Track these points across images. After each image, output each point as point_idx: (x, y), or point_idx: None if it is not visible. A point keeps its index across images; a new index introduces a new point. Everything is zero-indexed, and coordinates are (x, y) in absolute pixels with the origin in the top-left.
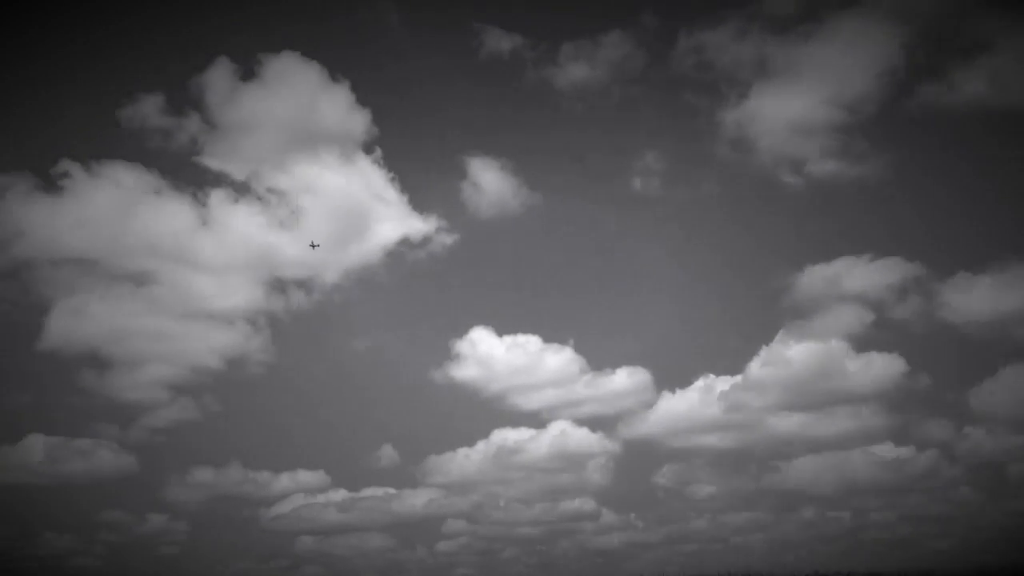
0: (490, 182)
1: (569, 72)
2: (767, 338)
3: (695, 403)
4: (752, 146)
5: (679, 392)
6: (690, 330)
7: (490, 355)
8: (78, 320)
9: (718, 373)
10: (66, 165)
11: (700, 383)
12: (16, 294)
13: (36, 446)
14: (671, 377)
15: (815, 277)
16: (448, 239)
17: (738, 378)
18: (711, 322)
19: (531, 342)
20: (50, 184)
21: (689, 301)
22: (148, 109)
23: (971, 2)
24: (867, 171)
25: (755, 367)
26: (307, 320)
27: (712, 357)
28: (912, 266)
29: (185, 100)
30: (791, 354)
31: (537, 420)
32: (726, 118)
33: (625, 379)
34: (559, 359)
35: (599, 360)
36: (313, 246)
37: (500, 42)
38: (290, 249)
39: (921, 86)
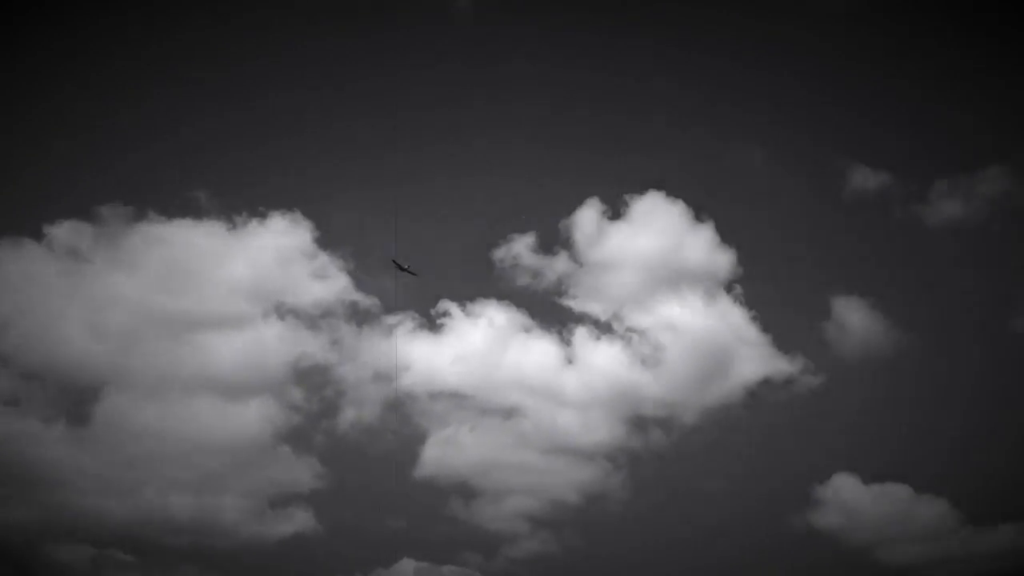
0: (857, 322)
1: (940, 209)
2: None
3: None
4: None
5: None
6: None
7: (854, 503)
8: (451, 451)
9: None
10: (445, 305)
11: None
12: (398, 424)
13: (407, 570)
14: None
15: None
16: (813, 380)
17: None
18: None
19: (901, 491)
20: (432, 323)
21: None
22: (520, 249)
23: None
24: None
25: None
26: (666, 459)
27: None
28: None
29: (555, 240)
30: None
31: None
32: None
33: (1012, 535)
34: (933, 511)
35: (981, 514)
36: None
37: (867, 179)
38: (651, 388)
39: None
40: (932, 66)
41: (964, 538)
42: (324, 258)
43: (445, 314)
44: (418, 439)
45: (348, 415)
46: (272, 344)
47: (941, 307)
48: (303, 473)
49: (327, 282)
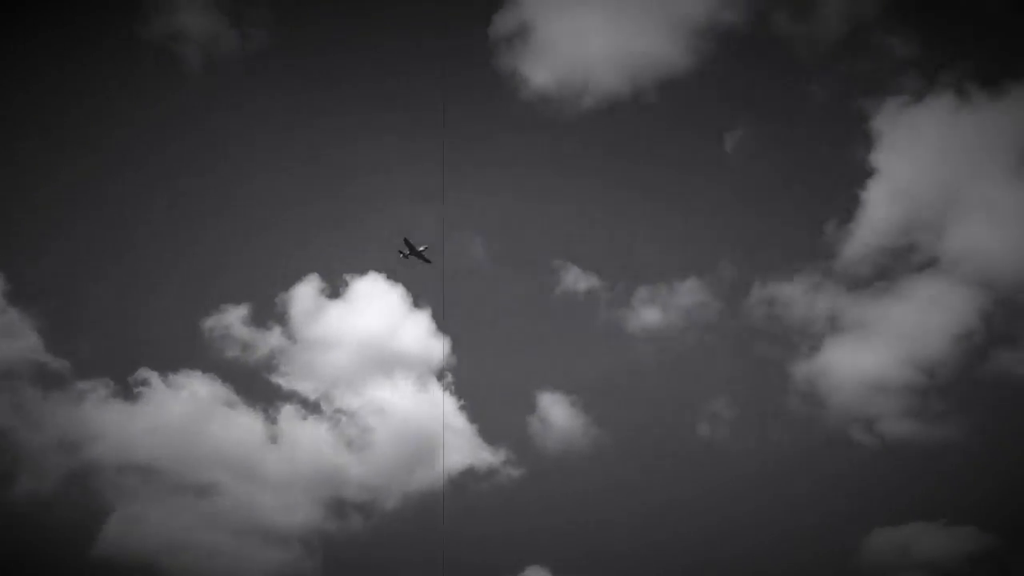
0: (560, 418)
1: (641, 315)
2: None
3: None
4: (823, 401)
5: None
6: None
7: None
8: (135, 529)
9: None
10: (145, 373)
11: None
12: (79, 497)
13: None
14: None
15: (883, 541)
16: (515, 472)
17: None
18: None
19: None
20: (127, 391)
21: (751, 556)
22: (231, 319)
23: None
24: (942, 434)
25: None
26: (362, 545)
27: None
28: (987, 537)
29: (270, 314)
30: None
31: None
32: (797, 371)
33: None
34: None
35: None
36: None
37: (577, 281)
38: (354, 470)
39: (999, 352)
40: (649, 178)
41: None
42: (13, 314)
43: (144, 383)
44: (100, 515)
45: (24, 485)
46: None
47: (636, 409)
48: None
49: (13, 340)
